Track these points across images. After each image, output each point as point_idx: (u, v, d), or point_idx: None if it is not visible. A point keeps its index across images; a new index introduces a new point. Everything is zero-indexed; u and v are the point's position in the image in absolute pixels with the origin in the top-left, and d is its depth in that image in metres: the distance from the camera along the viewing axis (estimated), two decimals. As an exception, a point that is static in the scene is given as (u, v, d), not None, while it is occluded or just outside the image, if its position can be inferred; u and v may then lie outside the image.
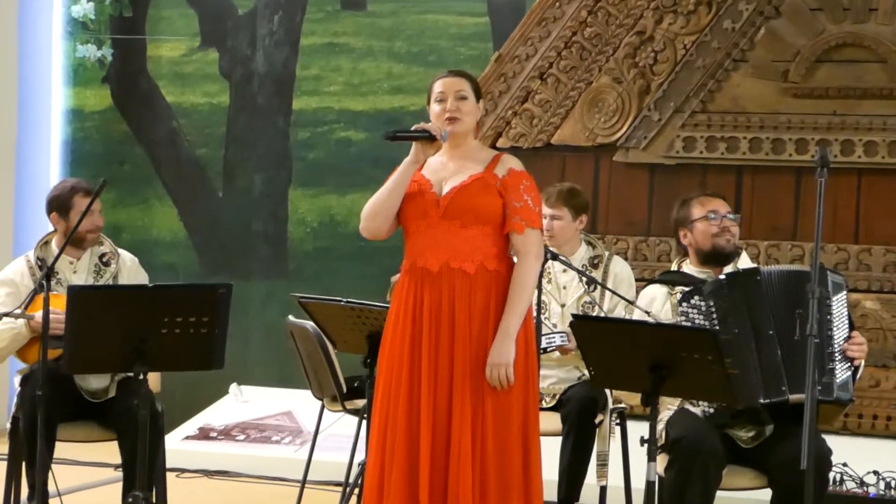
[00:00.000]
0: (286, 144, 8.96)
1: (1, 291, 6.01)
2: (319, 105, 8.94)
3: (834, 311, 5.14)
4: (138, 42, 9.20)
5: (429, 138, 4.88)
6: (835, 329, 5.13)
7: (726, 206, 5.57)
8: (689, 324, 5.19)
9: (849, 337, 5.16)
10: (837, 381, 5.08)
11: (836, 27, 7.76)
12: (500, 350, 4.80)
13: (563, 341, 5.96)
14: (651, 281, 5.73)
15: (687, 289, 5.30)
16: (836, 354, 5.10)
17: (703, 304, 5.19)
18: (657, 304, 5.53)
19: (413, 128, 4.93)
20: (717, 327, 5.12)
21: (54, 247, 6.06)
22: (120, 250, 6.20)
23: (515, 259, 4.94)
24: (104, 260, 6.12)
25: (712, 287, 5.22)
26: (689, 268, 5.58)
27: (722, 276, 5.33)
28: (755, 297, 5.17)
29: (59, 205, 6.05)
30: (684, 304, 5.24)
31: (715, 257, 5.49)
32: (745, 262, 5.58)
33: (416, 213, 4.91)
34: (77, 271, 6.04)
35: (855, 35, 7.73)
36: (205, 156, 9.15)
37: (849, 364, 5.13)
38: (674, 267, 5.69)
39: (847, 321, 5.21)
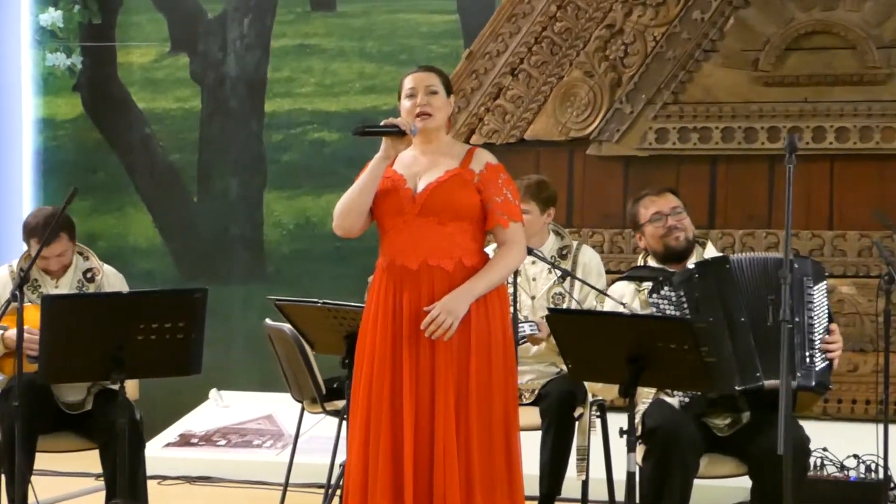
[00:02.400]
0: (260, 147, 8.95)
1: (-19, 300, 5.98)
2: (292, 107, 8.93)
3: (815, 300, 5.15)
4: (108, 49, 9.17)
5: (398, 133, 4.85)
6: (815, 318, 5.14)
7: (671, 202, 5.55)
8: (659, 315, 5.20)
9: (828, 330, 5.17)
10: (816, 368, 5.10)
11: (806, 15, 7.79)
12: (455, 298, 4.77)
13: (532, 330, 5.95)
14: (618, 278, 5.73)
15: (655, 281, 5.31)
16: (816, 343, 5.12)
17: (673, 294, 5.20)
18: (626, 300, 5.53)
19: (382, 123, 4.90)
20: (689, 317, 5.12)
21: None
22: (104, 266, 6.17)
23: (492, 252, 4.94)
24: (88, 276, 6.09)
25: (682, 277, 5.23)
26: (654, 262, 5.58)
27: (691, 266, 5.33)
28: (726, 285, 5.18)
29: (23, 235, 6.03)
30: (654, 295, 5.24)
31: (670, 257, 5.50)
32: (711, 251, 5.59)
33: (391, 210, 4.89)
34: (59, 287, 6.01)
35: (824, 22, 7.75)
36: (179, 161, 9.13)
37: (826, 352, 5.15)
38: (639, 262, 5.69)
39: (827, 311, 5.22)
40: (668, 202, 5.55)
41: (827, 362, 5.15)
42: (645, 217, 5.54)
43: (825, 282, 5.25)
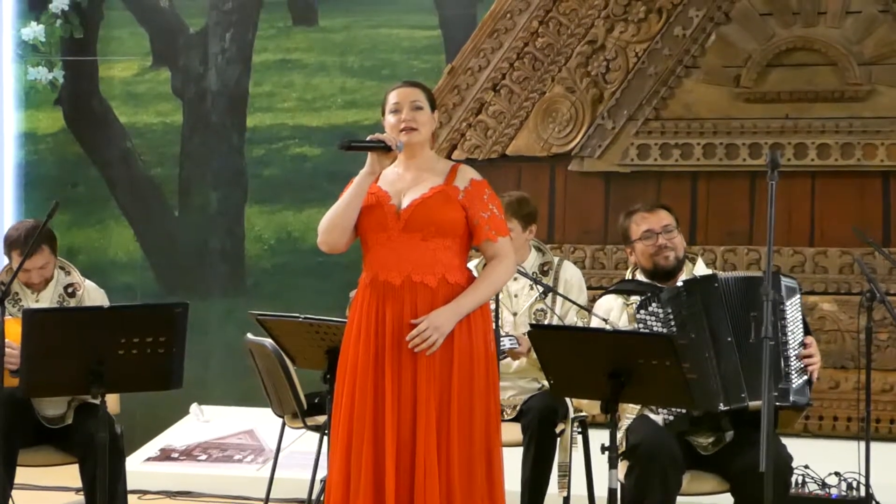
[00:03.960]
0: (241, 162, 8.94)
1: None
2: (273, 122, 8.93)
3: (788, 316, 5.16)
4: (90, 63, 9.16)
5: (384, 149, 4.85)
6: (789, 334, 5.14)
7: (663, 220, 5.53)
8: (647, 331, 5.20)
9: (803, 343, 5.18)
10: (794, 385, 5.10)
11: (786, 31, 7.81)
12: (443, 314, 4.77)
13: (512, 345, 5.95)
14: (607, 291, 5.73)
15: (644, 297, 5.31)
16: (792, 359, 5.12)
17: (660, 311, 5.20)
18: (614, 314, 5.52)
19: (368, 138, 4.90)
20: (676, 334, 5.12)
21: (19, 276, 6.01)
22: (86, 281, 6.16)
23: (474, 268, 4.93)
24: (69, 290, 6.08)
25: (670, 294, 5.23)
26: (643, 277, 5.58)
27: (679, 283, 5.33)
28: (713, 303, 5.17)
29: (4, 248, 6.03)
30: (642, 311, 5.24)
31: (658, 274, 5.49)
32: (700, 268, 5.59)
33: (375, 226, 4.89)
34: (40, 301, 6.00)
35: (805, 39, 7.78)
36: (159, 175, 9.11)
37: (804, 367, 5.15)
38: (628, 275, 5.69)
39: (801, 325, 5.23)
40: (659, 220, 5.54)
41: (805, 377, 5.15)
42: (636, 234, 5.53)
43: (798, 296, 5.25)
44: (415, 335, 4.75)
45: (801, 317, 5.22)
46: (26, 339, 5.07)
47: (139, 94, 9.14)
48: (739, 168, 7.86)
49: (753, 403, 5.02)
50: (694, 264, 5.59)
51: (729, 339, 5.12)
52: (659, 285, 5.41)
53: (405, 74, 8.25)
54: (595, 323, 5.55)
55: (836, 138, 7.71)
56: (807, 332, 5.24)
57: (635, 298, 5.37)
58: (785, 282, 5.17)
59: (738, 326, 5.09)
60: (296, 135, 8.87)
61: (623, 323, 5.46)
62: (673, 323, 5.17)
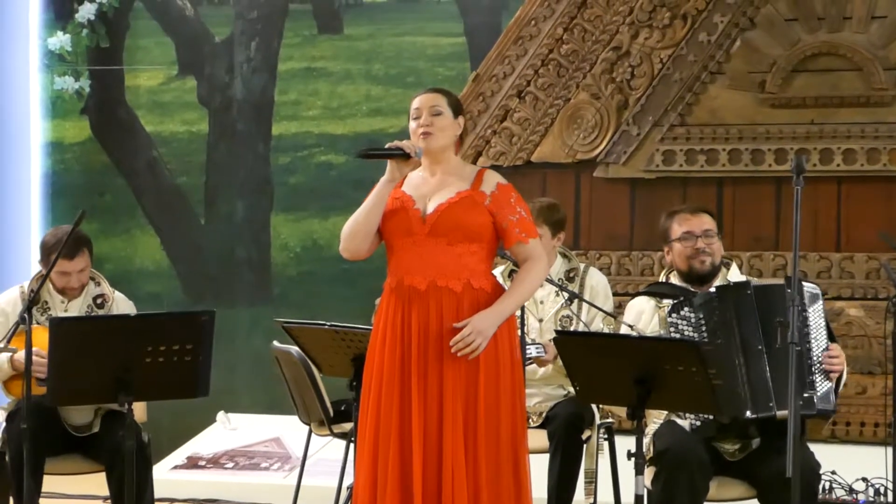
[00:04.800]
0: (267, 170, 8.96)
1: (-9, 320, 5.99)
2: (299, 129, 8.94)
3: (811, 323, 5.14)
4: (116, 72, 9.19)
5: (403, 156, 4.86)
6: (812, 340, 5.13)
7: (705, 224, 5.52)
8: (677, 335, 5.19)
9: (827, 349, 5.16)
10: (818, 393, 5.09)
11: (812, 37, 7.79)
12: (486, 318, 4.78)
13: (538, 352, 5.94)
14: (637, 293, 5.71)
15: (676, 300, 5.29)
16: (816, 366, 5.11)
17: (692, 315, 5.19)
18: (645, 317, 5.52)
19: (387, 146, 4.91)
20: (707, 340, 5.11)
21: (49, 282, 6.02)
22: (115, 293, 6.17)
23: (500, 274, 4.93)
24: (98, 302, 6.09)
25: (703, 299, 5.22)
26: (677, 280, 5.57)
27: (713, 290, 5.32)
28: (745, 310, 5.16)
29: (42, 253, 6.02)
30: (674, 314, 5.23)
31: (692, 278, 5.48)
32: (735, 274, 5.57)
33: (399, 231, 4.89)
34: (69, 310, 6.01)
35: (830, 44, 7.76)
36: (186, 184, 9.14)
37: (827, 373, 5.13)
38: (662, 278, 5.67)
39: (825, 332, 5.20)
40: (701, 223, 5.52)
41: (829, 384, 5.13)
42: (676, 234, 5.52)
43: (820, 302, 5.23)
44: (458, 340, 4.76)
45: (824, 323, 5.21)
46: (53, 348, 5.09)
47: (165, 102, 9.17)
48: (765, 174, 7.84)
49: (781, 413, 4.99)
50: (728, 269, 5.57)
51: (759, 346, 5.11)
52: (692, 289, 5.40)
53: (430, 82, 8.25)
54: (623, 329, 5.54)
55: (861, 143, 7.69)
56: (832, 338, 5.22)
57: (668, 301, 5.36)
58: (807, 288, 5.15)
59: (769, 334, 5.06)
60: (321, 143, 8.89)
61: (654, 326, 5.44)
62: (704, 328, 5.15)
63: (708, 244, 5.47)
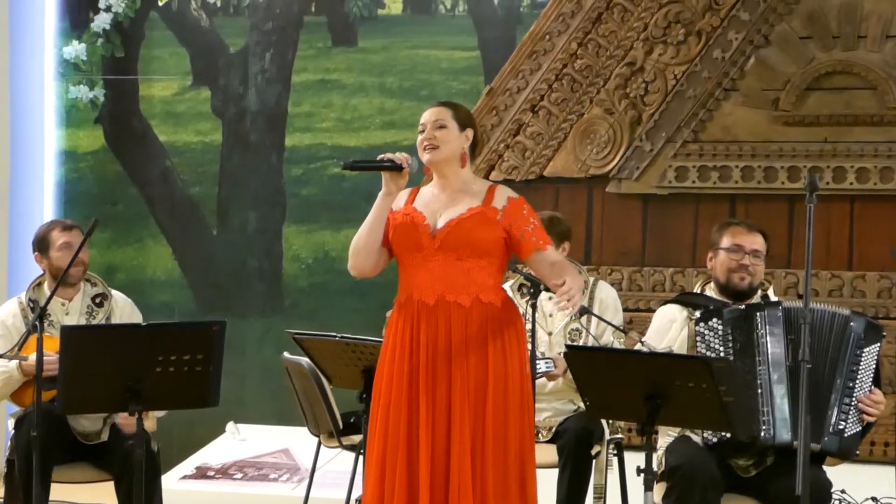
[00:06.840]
0: (279, 181, 8.97)
1: (-8, 334, 6.00)
2: (312, 141, 8.95)
3: (862, 362, 5.13)
4: (130, 82, 9.21)
5: (394, 168, 4.87)
6: (857, 382, 5.11)
7: (756, 244, 5.47)
8: (704, 345, 5.18)
9: (871, 391, 5.15)
10: (846, 434, 5.08)
11: (826, 55, 7.78)
12: (577, 279, 4.76)
13: (548, 367, 5.93)
14: (671, 300, 5.68)
15: (707, 310, 5.27)
16: (853, 408, 5.09)
17: (720, 327, 5.17)
18: (676, 325, 5.48)
19: (378, 157, 4.90)
20: (733, 356, 5.10)
21: (46, 289, 6.05)
22: (113, 291, 6.20)
23: (509, 288, 4.92)
24: (97, 301, 6.11)
25: (733, 314, 5.20)
26: (712, 292, 5.55)
27: (743, 306, 5.30)
28: (773, 331, 5.14)
29: (37, 242, 6.06)
30: (702, 324, 5.21)
31: (729, 292, 5.46)
32: (771, 296, 5.54)
33: (409, 246, 4.90)
34: (69, 313, 6.03)
35: (844, 62, 7.75)
36: (198, 194, 9.15)
37: (860, 416, 5.12)
38: (697, 289, 5.65)
39: (872, 374, 5.18)
40: (753, 241, 5.48)
41: (859, 428, 5.12)
42: (725, 243, 5.49)
43: (879, 344, 5.21)
44: (567, 290, 4.69)
45: (874, 366, 5.19)
46: (64, 356, 5.10)
47: (179, 113, 9.19)
48: (778, 191, 7.83)
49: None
50: (766, 293, 5.54)
51: (783, 367, 5.10)
52: (725, 301, 5.38)
53: (443, 95, 8.25)
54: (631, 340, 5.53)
55: (875, 162, 7.68)
56: (877, 383, 5.20)
57: (699, 313, 5.34)
58: (871, 323, 5.15)
59: (796, 356, 5.04)
60: (334, 155, 8.89)
61: (682, 339, 5.41)
62: (731, 343, 5.14)
63: (753, 264, 5.44)
